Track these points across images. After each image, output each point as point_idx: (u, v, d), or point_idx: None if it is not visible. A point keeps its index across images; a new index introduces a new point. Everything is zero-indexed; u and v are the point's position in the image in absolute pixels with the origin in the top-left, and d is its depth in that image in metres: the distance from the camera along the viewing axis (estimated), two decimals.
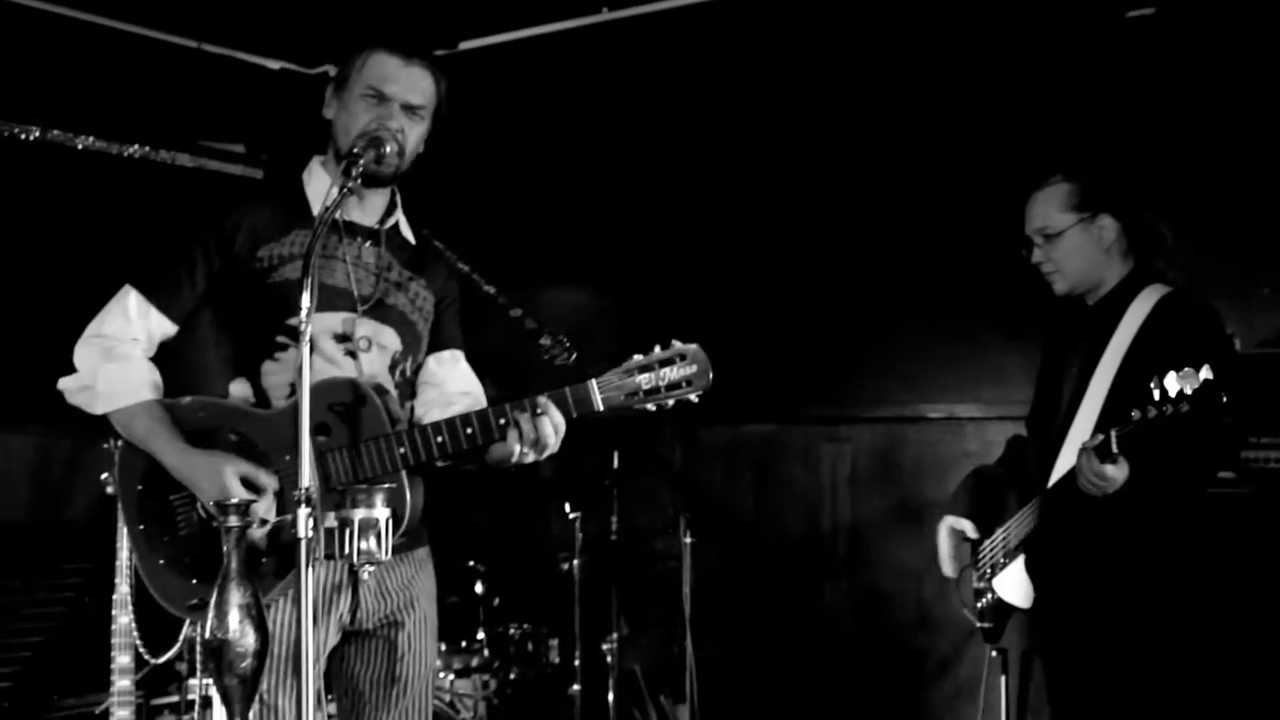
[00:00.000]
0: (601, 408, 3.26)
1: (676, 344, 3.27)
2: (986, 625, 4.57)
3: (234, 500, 2.95)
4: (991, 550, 4.52)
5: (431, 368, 3.73)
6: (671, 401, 3.26)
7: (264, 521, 3.27)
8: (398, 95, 3.49)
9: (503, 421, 3.29)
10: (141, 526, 3.51)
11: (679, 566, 6.24)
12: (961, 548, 4.67)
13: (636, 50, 6.36)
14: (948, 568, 4.63)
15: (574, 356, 3.50)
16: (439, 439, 3.32)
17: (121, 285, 3.56)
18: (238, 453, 3.41)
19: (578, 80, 6.72)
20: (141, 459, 3.48)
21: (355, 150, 3.35)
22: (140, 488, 3.51)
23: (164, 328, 3.53)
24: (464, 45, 6.51)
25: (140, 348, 3.52)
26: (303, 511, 2.91)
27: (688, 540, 6.20)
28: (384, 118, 3.47)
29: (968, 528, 4.60)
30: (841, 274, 6.66)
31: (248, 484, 3.36)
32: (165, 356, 3.60)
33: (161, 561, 3.47)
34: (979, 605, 4.58)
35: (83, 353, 3.51)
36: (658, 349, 3.26)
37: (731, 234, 6.94)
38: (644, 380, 3.24)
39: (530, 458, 3.30)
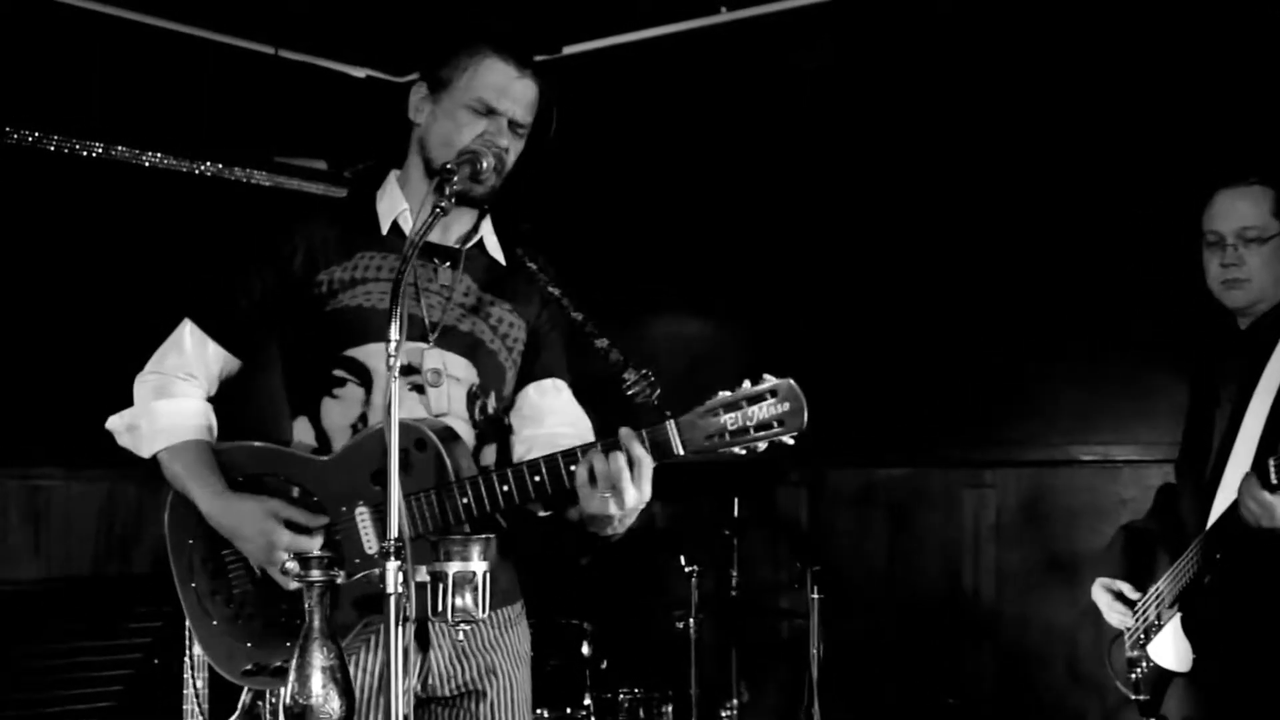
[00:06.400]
0: (682, 452, 3.03)
1: (768, 378, 3.02)
2: (1143, 698, 4.30)
3: (315, 553, 2.93)
4: (1144, 612, 4.29)
5: (532, 399, 3.55)
6: (763, 445, 3.01)
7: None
8: (508, 111, 3.33)
9: (573, 467, 3.10)
10: (194, 584, 3.39)
11: (806, 625, 5.87)
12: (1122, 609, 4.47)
13: (760, 52, 6.25)
14: (1122, 621, 4.40)
15: (657, 393, 3.25)
16: (504, 488, 3.15)
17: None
18: (291, 504, 3.29)
19: (693, 86, 6.58)
20: (194, 509, 3.35)
21: (450, 168, 3.18)
22: (192, 541, 3.38)
23: (224, 361, 3.43)
24: (568, 50, 6.48)
25: (196, 385, 3.42)
26: (391, 565, 2.75)
27: (815, 596, 5.84)
28: (492, 135, 3.31)
29: (1125, 588, 4.38)
30: (986, 302, 6.37)
31: (293, 527, 3.24)
32: (230, 397, 3.52)
33: (215, 622, 3.37)
34: (1133, 676, 4.32)
35: (138, 391, 3.43)
36: (746, 384, 3.02)
37: (865, 257, 6.68)
38: (729, 420, 3.00)
39: (613, 508, 3.07)
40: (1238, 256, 4.15)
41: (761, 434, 2.99)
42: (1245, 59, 5.62)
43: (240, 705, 3.73)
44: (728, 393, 3.03)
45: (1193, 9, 5.69)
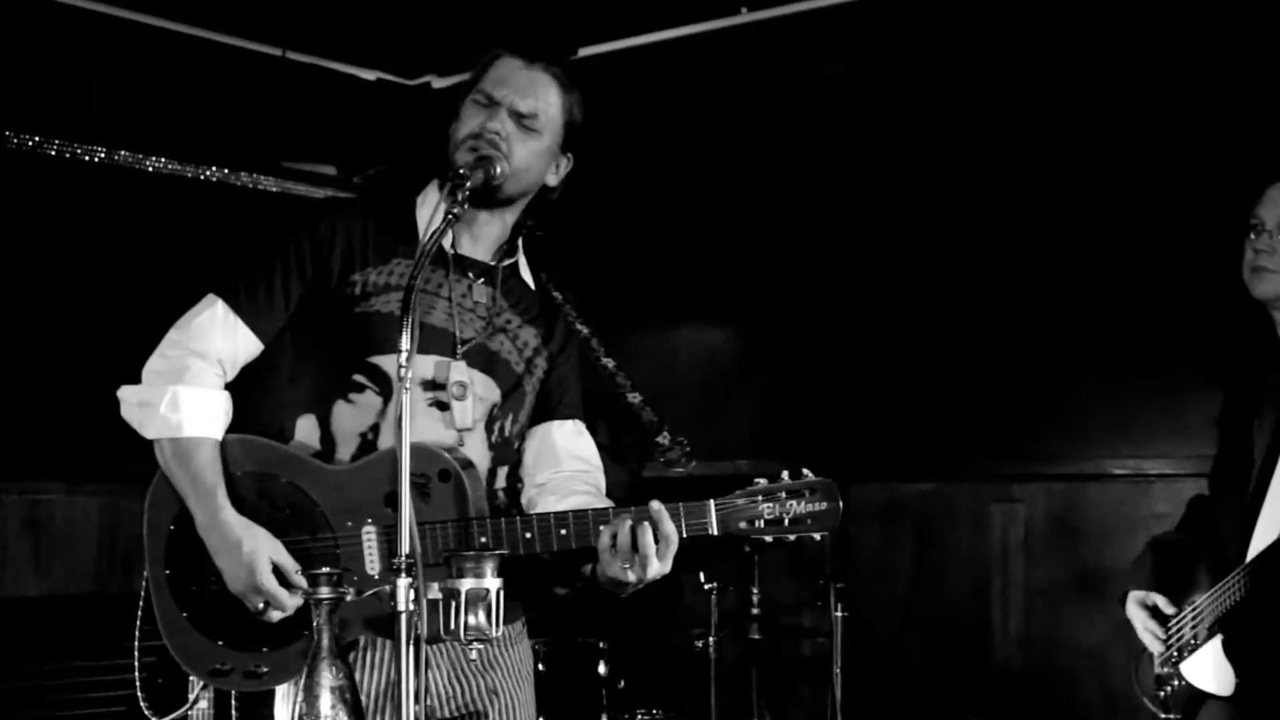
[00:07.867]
0: (716, 533, 3.10)
1: (808, 474, 3.13)
2: (1172, 717, 4.22)
3: (324, 571, 2.84)
4: (1179, 630, 4.17)
5: (553, 439, 3.51)
6: (792, 537, 3.13)
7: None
8: (505, 99, 3.27)
9: (601, 528, 3.13)
10: (168, 571, 3.30)
11: (828, 643, 5.89)
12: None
13: (780, 54, 6.23)
14: (1154, 645, 4.28)
15: (692, 464, 3.46)
16: (527, 535, 3.16)
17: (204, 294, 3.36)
18: (291, 509, 3.24)
19: (712, 88, 6.57)
20: (179, 495, 3.30)
21: (461, 170, 3.15)
22: (172, 527, 3.29)
23: (250, 348, 3.33)
24: (585, 51, 6.43)
25: (220, 371, 3.32)
26: (402, 582, 2.74)
27: (839, 614, 5.85)
28: (484, 121, 3.27)
29: (1160, 601, 4.25)
30: (1014, 313, 6.34)
31: (278, 574, 3.19)
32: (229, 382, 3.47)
33: (185, 615, 3.28)
34: (1161, 694, 4.24)
35: (155, 364, 3.29)
36: (786, 476, 3.13)
37: (889, 266, 6.66)
38: (766, 509, 3.11)
39: (631, 576, 3.10)
40: (1271, 245, 4.05)
41: (794, 528, 3.09)
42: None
43: (192, 699, 3.56)
44: (767, 482, 3.12)
45: (1224, 16, 5.66)
